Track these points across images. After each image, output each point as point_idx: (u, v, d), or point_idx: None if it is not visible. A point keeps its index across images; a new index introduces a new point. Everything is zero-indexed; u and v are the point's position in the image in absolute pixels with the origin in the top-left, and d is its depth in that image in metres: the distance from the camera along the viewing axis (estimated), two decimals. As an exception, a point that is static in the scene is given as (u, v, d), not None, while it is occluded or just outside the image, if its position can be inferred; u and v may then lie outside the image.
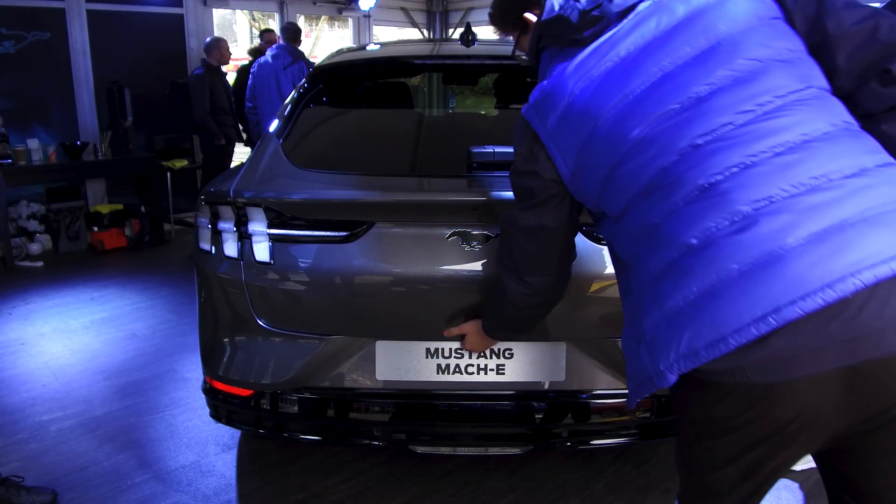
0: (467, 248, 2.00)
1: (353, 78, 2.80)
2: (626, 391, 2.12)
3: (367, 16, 8.65)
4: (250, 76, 5.97)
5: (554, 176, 1.47)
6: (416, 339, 2.10)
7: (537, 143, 1.47)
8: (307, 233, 2.03)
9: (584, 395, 2.14)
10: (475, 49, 2.67)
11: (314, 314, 2.11)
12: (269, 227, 2.04)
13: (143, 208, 6.11)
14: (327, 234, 2.02)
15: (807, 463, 2.57)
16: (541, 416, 2.13)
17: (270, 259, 2.06)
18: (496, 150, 2.08)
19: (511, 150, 1.58)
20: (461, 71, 2.90)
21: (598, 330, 2.10)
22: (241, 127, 6.42)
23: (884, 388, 1.08)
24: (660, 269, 1.21)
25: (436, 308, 2.04)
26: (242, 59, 7.60)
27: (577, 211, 1.57)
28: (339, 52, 3.07)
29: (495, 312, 1.83)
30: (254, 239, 2.07)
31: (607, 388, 2.13)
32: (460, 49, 2.67)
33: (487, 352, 2.08)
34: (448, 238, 2.01)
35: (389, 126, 2.70)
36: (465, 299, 2.02)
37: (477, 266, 2.01)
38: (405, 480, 2.49)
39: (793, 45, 1.25)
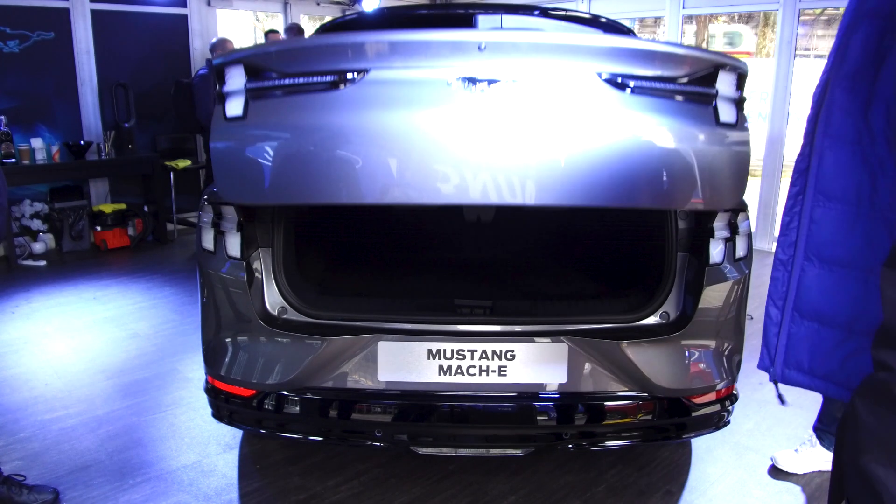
0: (474, 93, 1.74)
1: None
2: (629, 393, 2.14)
3: (371, 16, 8.65)
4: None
5: None
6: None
7: None
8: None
9: (586, 397, 2.14)
10: None
11: None
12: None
13: (146, 208, 6.13)
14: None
15: (809, 466, 2.57)
16: (543, 417, 2.13)
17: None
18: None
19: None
20: None
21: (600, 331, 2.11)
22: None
23: None
24: None
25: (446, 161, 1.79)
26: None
27: None
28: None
29: None
30: None
31: (609, 389, 2.14)
32: None
33: (489, 352, 2.08)
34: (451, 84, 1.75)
35: None
36: (474, 154, 1.77)
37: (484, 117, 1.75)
38: (407, 481, 2.49)
39: None
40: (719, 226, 2.17)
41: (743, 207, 2.21)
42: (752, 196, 5.71)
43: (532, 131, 1.77)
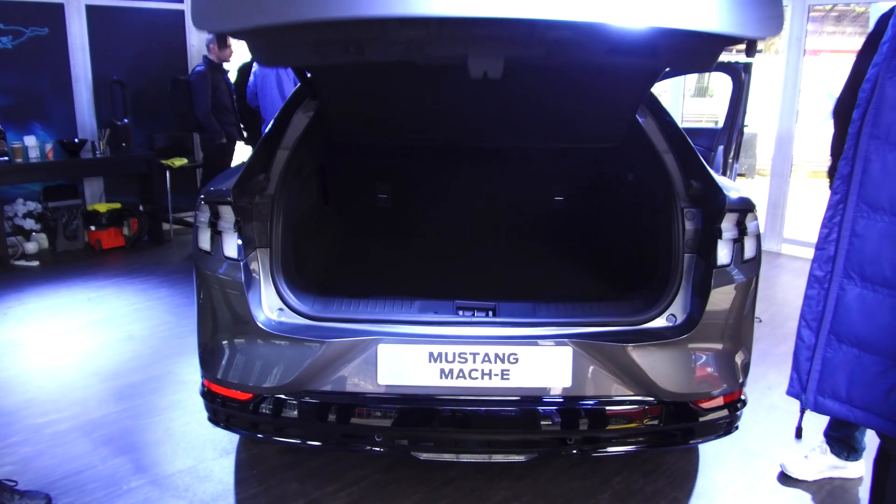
0: None
1: None
2: (634, 397, 2.13)
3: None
4: (252, 75, 5.99)
5: None
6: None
7: None
8: None
9: (590, 402, 2.13)
10: None
11: None
12: None
13: (141, 207, 6.13)
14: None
15: (820, 473, 2.56)
16: (546, 422, 2.13)
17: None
18: None
19: None
20: None
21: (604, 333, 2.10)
22: (242, 125, 6.44)
23: None
24: None
25: None
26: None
27: None
28: None
29: None
30: None
31: (615, 394, 2.13)
32: None
33: (492, 356, 2.08)
34: None
35: None
36: None
37: None
38: (407, 488, 2.49)
39: None
40: (727, 226, 2.17)
41: (751, 208, 2.20)
42: (760, 196, 5.71)
43: None
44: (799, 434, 1.81)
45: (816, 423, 2.76)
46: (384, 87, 2.55)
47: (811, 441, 2.73)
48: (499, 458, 2.30)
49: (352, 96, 2.60)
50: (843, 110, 2.35)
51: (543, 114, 2.62)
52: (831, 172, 2.43)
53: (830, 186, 1.95)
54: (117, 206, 6.02)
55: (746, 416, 2.46)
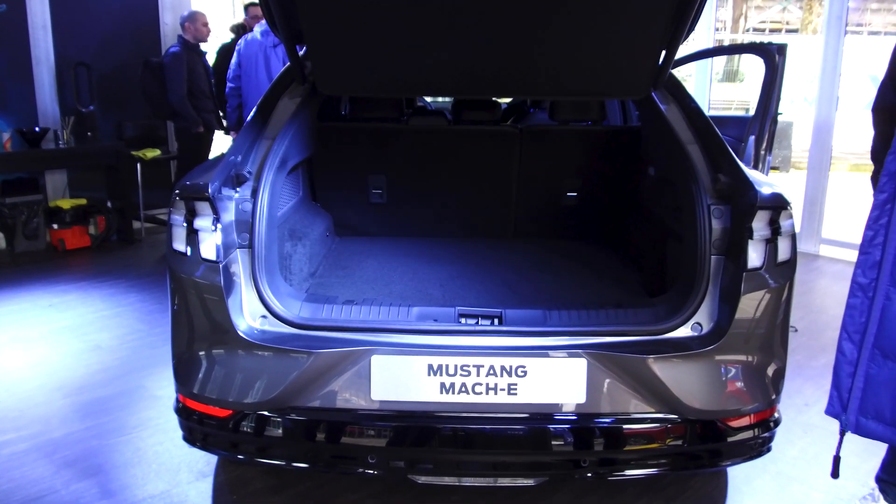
0: None
1: None
2: (656, 415, 2.14)
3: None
4: (235, 54, 6.01)
5: None
6: None
7: None
8: None
9: (607, 419, 2.14)
10: None
11: None
12: None
13: (109, 203, 6.14)
14: None
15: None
16: (558, 442, 2.13)
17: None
18: None
19: None
20: None
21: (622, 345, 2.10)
22: (221, 113, 6.45)
23: None
24: None
25: None
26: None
27: None
28: None
29: None
30: None
31: (634, 411, 2.13)
32: None
33: (498, 368, 2.08)
34: None
35: None
36: None
37: None
38: (403, 514, 2.49)
39: None
40: (759, 225, 2.17)
41: (785, 205, 2.20)
42: (796, 192, 5.71)
43: None
44: (836, 468, 1.75)
45: (859, 445, 2.75)
46: (382, 25, 2.52)
47: (850, 463, 2.71)
48: (505, 481, 2.30)
49: (344, 35, 2.56)
50: (885, 104, 2.27)
51: (561, 57, 2.57)
52: (875, 178, 2.33)
53: (874, 191, 1.92)
54: (82, 202, 6.04)
55: (780, 437, 2.46)
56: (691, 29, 2.47)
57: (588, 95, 3.18)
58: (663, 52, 2.55)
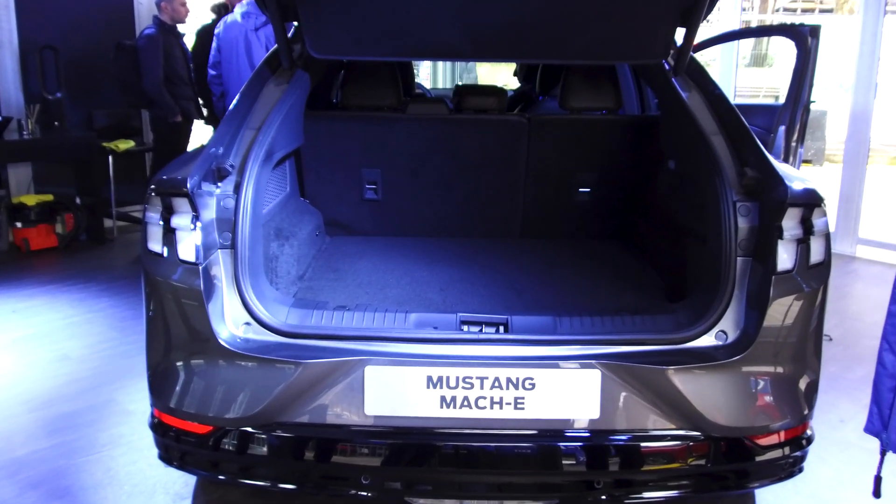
0: None
1: None
2: (677, 432, 2.14)
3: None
4: (214, 38, 6.01)
5: None
6: None
7: None
8: None
9: (623, 437, 2.14)
10: None
11: None
12: None
13: (78, 200, 6.15)
14: None
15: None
16: (569, 461, 2.13)
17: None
18: None
19: None
20: None
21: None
22: (201, 100, 6.45)
23: None
24: None
25: None
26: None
27: None
28: None
29: None
30: None
31: (652, 427, 2.13)
32: None
33: (503, 381, 2.08)
34: None
35: None
36: None
37: None
38: (400, 540, 2.49)
39: None
40: (789, 224, 2.17)
41: (819, 201, 2.21)
42: (830, 187, 5.71)
43: None
44: (878, 487, 1.78)
45: (898, 464, 2.76)
46: None
47: (893, 485, 2.71)
48: (512, 504, 2.30)
49: None
50: None
51: (570, 15, 2.55)
52: None
53: None
54: (49, 198, 6.04)
55: (813, 456, 2.46)
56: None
57: (599, 59, 3.17)
58: (683, 31, 2.55)
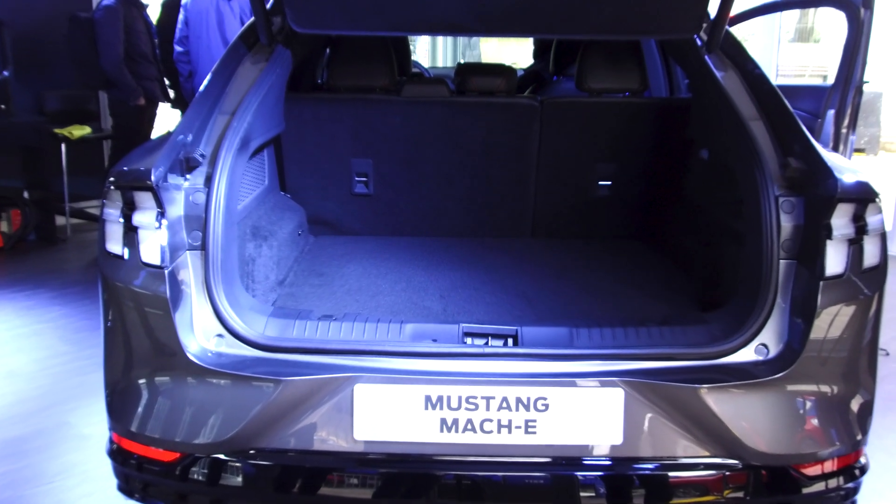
0: None
1: None
2: (711, 460, 2.14)
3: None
4: (181, 9, 6.02)
5: None
6: None
7: None
8: None
9: (649, 465, 2.14)
10: None
11: None
12: None
13: (26, 194, 6.16)
14: None
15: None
16: (588, 493, 2.13)
17: None
18: None
19: None
20: None
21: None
22: (167, 81, 6.46)
23: None
24: None
25: None
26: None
27: None
28: None
29: None
30: None
31: (683, 454, 2.13)
32: None
33: (513, 401, 2.08)
34: None
35: None
36: None
37: None
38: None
39: None
40: (840, 223, 2.17)
41: (873, 196, 2.20)
42: (886, 180, 5.70)
43: None
44: None
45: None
46: None
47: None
48: (522, 542, 2.30)
49: None
50: None
51: None
52: None
53: None
54: (-7, 192, 6.06)
55: (867, 486, 2.45)
56: None
57: (622, 34, 3.16)
58: (718, 1, 2.55)
